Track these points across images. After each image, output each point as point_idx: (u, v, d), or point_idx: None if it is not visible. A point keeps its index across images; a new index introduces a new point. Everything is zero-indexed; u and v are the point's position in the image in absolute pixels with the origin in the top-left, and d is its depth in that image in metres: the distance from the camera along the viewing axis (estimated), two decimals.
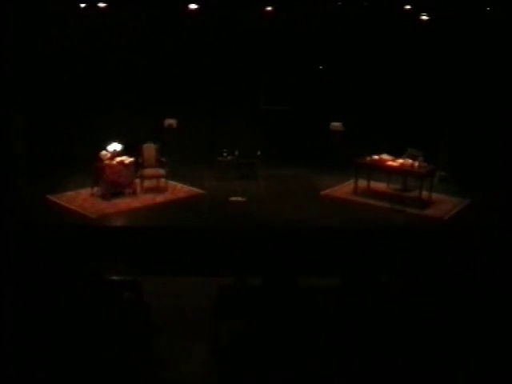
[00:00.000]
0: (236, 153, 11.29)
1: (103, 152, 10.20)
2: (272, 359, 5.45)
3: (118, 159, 10.24)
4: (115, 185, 10.09)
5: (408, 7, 11.03)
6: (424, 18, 11.26)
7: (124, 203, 9.91)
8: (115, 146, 10.33)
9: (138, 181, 10.50)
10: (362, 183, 10.81)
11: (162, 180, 10.66)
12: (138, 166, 10.54)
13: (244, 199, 10.17)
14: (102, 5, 10.76)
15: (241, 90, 12.19)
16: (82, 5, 10.75)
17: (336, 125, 12.08)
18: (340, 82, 12.23)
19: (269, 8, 11.37)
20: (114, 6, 10.91)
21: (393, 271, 7.19)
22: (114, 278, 6.86)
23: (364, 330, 5.68)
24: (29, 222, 8.90)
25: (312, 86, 12.47)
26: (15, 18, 9.83)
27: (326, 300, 6.18)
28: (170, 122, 11.87)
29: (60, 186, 10.52)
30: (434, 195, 10.39)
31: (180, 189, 10.77)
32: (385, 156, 10.67)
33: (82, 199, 9.99)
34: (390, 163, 10.52)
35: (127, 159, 10.33)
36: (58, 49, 11.08)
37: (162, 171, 10.66)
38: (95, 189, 10.15)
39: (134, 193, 10.31)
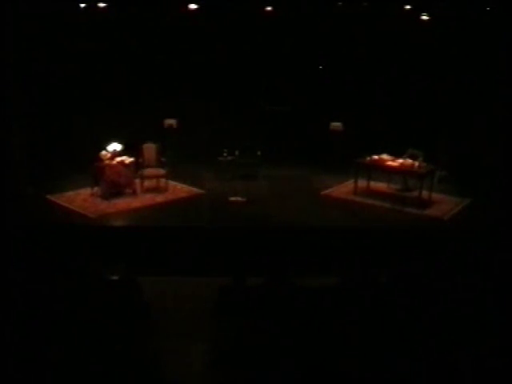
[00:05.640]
0: (236, 153, 11.29)
1: (103, 152, 10.21)
2: (272, 359, 5.45)
3: (118, 159, 10.25)
4: (115, 185, 10.10)
5: (408, 7, 11.04)
6: (424, 17, 11.26)
7: (124, 203, 9.91)
8: (115, 146, 10.34)
9: (138, 181, 10.51)
10: (362, 183, 10.81)
11: (162, 180, 10.67)
12: (138, 165, 10.55)
13: (244, 199, 10.17)
14: (102, 5, 10.77)
15: (241, 90, 12.19)
16: (82, 5, 10.76)
17: (336, 125, 12.09)
18: (340, 81, 12.23)
19: (269, 8, 11.37)
20: (114, 6, 10.92)
21: (393, 271, 7.18)
22: (114, 277, 6.86)
23: (363, 330, 5.68)
24: (29, 222, 8.92)
25: (312, 86, 12.47)
26: (15, 18, 9.83)
27: (325, 300, 6.18)
28: (170, 122, 11.88)
29: (60, 186, 10.52)
30: (434, 195, 10.39)
31: (180, 189, 10.77)
32: (385, 156, 10.67)
33: (81, 199, 10.00)
34: (389, 163, 10.52)
35: (127, 159, 10.34)
36: (58, 49, 11.07)
37: (162, 171, 10.66)
38: (95, 189, 10.15)
39: (134, 193, 10.31)
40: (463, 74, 11.30)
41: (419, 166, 10.19)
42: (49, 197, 10.04)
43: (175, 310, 7.16)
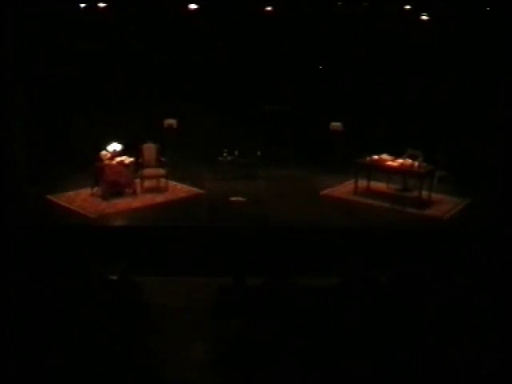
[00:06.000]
0: (236, 153, 11.29)
1: (103, 152, 10.20)
2: (271, 359, 5.46)
3: (118, 159, 10.24)
4: (115, 185, 10.09)
5: (408, 7, 11.05)
6: (424, 17, 11.27)
7: (124, 203, 9.90)
8: (115, 146, 10.33)
9: (138, 181, 10.51)
10: (362, 183, 10.80)
11: (162, 180, 10.66)
12: (138, 165, 10.55)
13: (244, 199, 10.17)
14: (102, 5, 10.78)
15: (241, 90, 12.19)
16: (82, 5, 10.77)
17: (336, 125, 12.09)
18: (340, 82, 12.24)
19: (269, 8, 11.38)
20: (114, 6, 10.93)
21: (393, 271, 7.18)
22: (114, 277, 6.87)
23: (363, 330, 5.68)
24: (29, 222, 8.92)
25: (312, 86, 12.47)
26: (15, 18, 9.84)
27: (325, 300, 6.19)
28: (170, 122, 11.88)
29: (60, 186, 10.52)
30: (434, 195, 10.38)
31: (180, 189, 10.77)
32: (385, 156, 10.67)
33: (81, 199, 9.99)
34: (389, 163, 10.52)
35: (127, 159, 10.33)
36: (58, 49, 11.07)
37: (162, 171, 10.66)
38: (95, 189, 10.15)
39: (134, 193, 10.31)
40: (463, 73, 11.31)
41: (419, 166, 10.19)
42: (49, 197, 10.04)
43: (175, 310, 7.16)
